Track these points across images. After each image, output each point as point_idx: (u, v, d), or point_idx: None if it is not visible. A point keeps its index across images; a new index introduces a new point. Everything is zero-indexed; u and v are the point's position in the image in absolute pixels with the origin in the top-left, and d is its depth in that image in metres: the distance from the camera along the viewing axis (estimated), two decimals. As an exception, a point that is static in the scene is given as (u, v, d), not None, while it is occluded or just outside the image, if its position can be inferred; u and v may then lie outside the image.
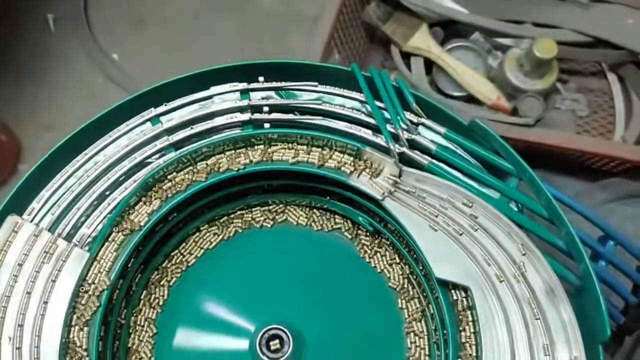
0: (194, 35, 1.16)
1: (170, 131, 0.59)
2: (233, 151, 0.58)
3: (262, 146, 0.58)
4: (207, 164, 0.58)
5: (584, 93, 1.01)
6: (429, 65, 1.00)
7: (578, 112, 1.01)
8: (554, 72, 0.94)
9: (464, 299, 0.52)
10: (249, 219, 0.66)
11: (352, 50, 1.00)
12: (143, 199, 0.58)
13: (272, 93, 0.62)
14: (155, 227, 0.59)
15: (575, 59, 1.01)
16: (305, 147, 0.57)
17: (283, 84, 0.61)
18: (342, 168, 0.56)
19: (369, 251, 0.62)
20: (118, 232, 0.56)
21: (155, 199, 0.57)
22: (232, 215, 0.66)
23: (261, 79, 0.61)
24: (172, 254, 0.65)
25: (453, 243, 0.53)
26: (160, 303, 0.64)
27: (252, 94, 0.61)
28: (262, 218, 0.66)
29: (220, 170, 0.58)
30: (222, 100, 0.61)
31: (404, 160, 0.58)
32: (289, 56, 1.05)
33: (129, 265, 0.59)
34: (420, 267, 0.58)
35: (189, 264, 0.65)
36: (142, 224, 0.57)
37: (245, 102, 0.60)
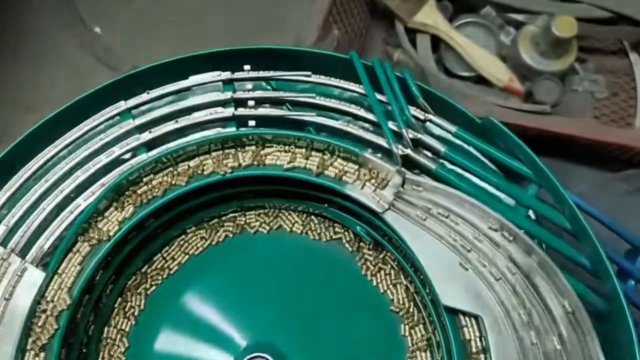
0: (185, 11, 1.07)
1: (141, 128, 0.52)
2: (220, 152, 0.51)
3: (253, 147, 0.51)
4: (189, 166, 0.51)
5: (604, 74, 0.93)
6: (436, 42, 0.92)
7: (597, 94, 0.94)
8: (573, 52, 0.86)
9: (474, 326, 0.46)
10: (242, 222, 0.59)
11: (353, 26, 0.92)
12: (114, 204, 0.51)
13: (262, 84, 0.54)
14: (128, 235, 0.52)
15: (595, 36, 0.93)
16: (303, 150, 0.50)
17: (271, 73, 0.54)
18: (344, 177, 0.49)
19: (371, 267, 0.56)
20: (84, 241, 0.50)
21: (128, 204, 0.51)
22: (223, 218, 0.59)
23: (247, 67, 0.54)
24: (154, 258, 0.59)
25: (462, 262, 0.46)
26: (136, 313, 0.58)
27: (237, 85, 0.54)
28: (257, 223, 0.59)
29: (205, 173, 0.51)
30: (203, 92, 0.53)
31: (408, 162, 0.51)
32: (285, 33, 0.97)
33: (97, 277, 0.52)
34: (427, 290, 0.51)
35: (171, 271, 0.59)
36: (111, 233, 0.50)
37: (228, 95, 0.52)
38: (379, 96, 0.53)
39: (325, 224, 0.57)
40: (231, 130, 0.51)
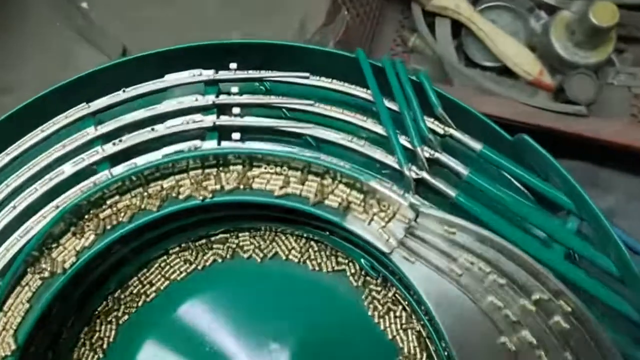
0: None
1: (104, 138, 0.43)
2: (200, 171, 0.43)
3: (239, 167, 0.42)
4: (162, 187, 0.43)
5: (643, 66, 0.83)
6: (457, 27, 0.82)
7: (634, 89, 0.84)
8: (611, 43, 0.77)
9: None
10: (234, 245, 0.51)
11: (364, 8, 0.82)
12: (72, 229, 0.43)
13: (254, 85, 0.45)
14: (91, 264, 0.44)
15: (635, 25, 0.83)
16: (299, 173, 0.41)
17: (262, 73, 0.45)
18: (347, 209, 0.40)
19: (379, 307, 0.47)
20: (34, 274, 0.42)
21: (89, 231, 0.42)
22: (212, 239, 0.51)
23: (233, 65, 0.45)
24: (129, 282, 0.51)
25: (483, 318, 0.38)
26: (104, 346, 0.50)
27: (222, 87, 0.45)
28: (250, 247, 0.51)
29: (180, 197, 0.42)
30: (181, 94, 0.44)
31: (423, 187, 0.42)
32: (290, 13, 0.87)
33: (53, 311, 0.44)
34: (443, 345, 0.43)
35: (148, 298, 0.51)
36: (67, 264, 0.42)
37: (209, 99, 0.44)
38: (389, 104, 0.44)
39: (327, 252, 0.49)
40: (210, 146, 0.42)
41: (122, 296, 0.51)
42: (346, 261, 0.49)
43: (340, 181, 0.40)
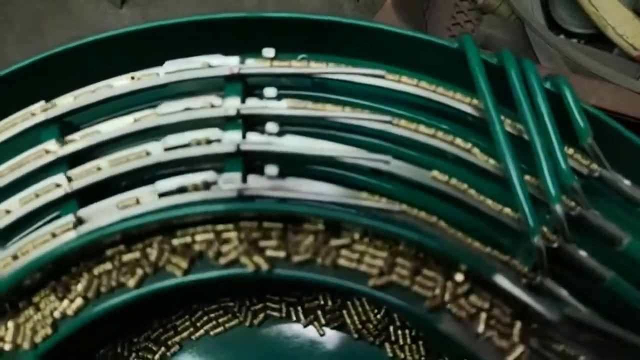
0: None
1: (73, 161, 0.28)
2: (255, 223, 0.28)
3: (316, 226, 0.27)
4: (193, 239, 0.28)
5: None
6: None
7: None
8: None
9: None
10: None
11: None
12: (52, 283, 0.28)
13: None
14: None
15: None
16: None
17: (312, 68, 0.29)
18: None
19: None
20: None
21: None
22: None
23: (269, 52, 0.29)
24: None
25: None
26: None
27: (250, 84, 0.30)
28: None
29: (221, 260, 0.28)
30: (188, 94, 0.29)
31: (556, 259, 0.27)
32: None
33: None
34: None
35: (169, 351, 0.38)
36: (37, 339, 0.28)
37: (234, 103, 0.28)
38: (506, 126, 0.28)
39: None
40: (228, 192, 0.27)
41: (136, 340, 0.37)
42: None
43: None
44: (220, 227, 0.28)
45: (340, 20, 0.31)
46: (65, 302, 0.28)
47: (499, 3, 0.67)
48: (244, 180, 0.27)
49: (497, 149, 0.27)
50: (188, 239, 0.28)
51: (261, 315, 0.37)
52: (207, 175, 0.27)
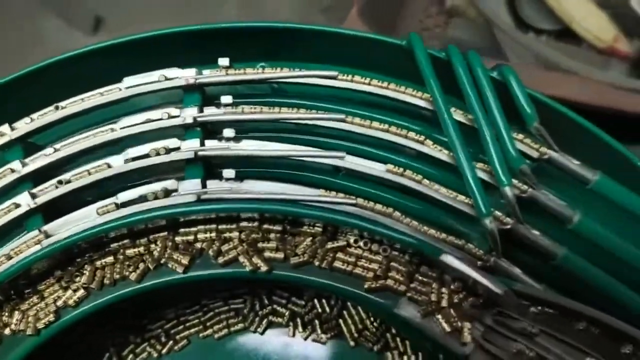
0: None
1: (36, 178, 0.29)
2: (256, 223, 0.29)
3: (314, 229, 0.28)
4: (195, 237, 0.29)
5: None
6: (509, -18, 0.67)
7: None
8: None
9: None
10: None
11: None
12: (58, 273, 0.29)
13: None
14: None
15: None
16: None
17: (266, 74, 0.30)
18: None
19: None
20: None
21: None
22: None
23: (223, 61, 0.30)
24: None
25: None
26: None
27: (208, 93, 0.31)
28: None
29: (220, 260, 0.29)
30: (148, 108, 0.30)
31: (510, 241, 0.28)
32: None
33: None
34: None
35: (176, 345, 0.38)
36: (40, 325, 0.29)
37: (191, 112, 0.29)
38: (457, 116, 0.29)
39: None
40: (188, 196, 0.28)
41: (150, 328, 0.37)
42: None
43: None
44: (222, 226, 0.29)
45: (295, 27, 0.32)
46: (69, 292, 0.29)
47: (467, 6, 0.68)
48: (204, 185, 0.28)
49: (447, 139, 0.28)
50: (191, 237, 0.29)
51: (265, 322, 0.37)
52: (168, 184, 0.28)
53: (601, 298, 0.28)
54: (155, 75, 0.30)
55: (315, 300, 0.36)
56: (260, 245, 0.28)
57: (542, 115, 0.30)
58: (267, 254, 0.28)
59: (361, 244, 0.27)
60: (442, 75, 0.29)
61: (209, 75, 0.30)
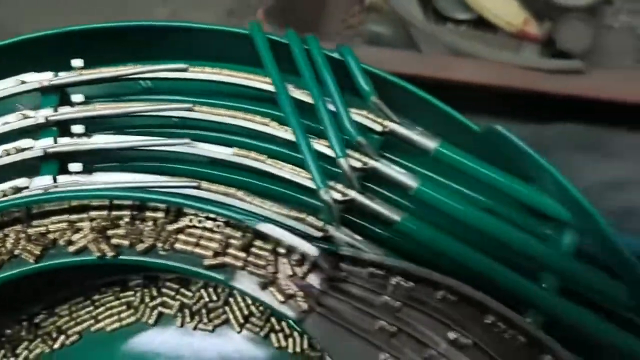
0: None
1: None
2: (105, 212, 0.30)
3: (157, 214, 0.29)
4: (47, 229, 0.30)
5: (648, 1, 0.69)
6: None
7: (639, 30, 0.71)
8: (608, -24, 0.63)
9: None
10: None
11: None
12: None
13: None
14: None
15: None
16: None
17: (120, 71, 0.31)
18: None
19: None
20: None
21: None
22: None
23: (77, 62, 0.32)
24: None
25: None
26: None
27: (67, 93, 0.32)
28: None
29: (71, 248, 0.30)
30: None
31: (352, 210, 0.29)
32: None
33: None
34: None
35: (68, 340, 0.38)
36: None
37: (45, 113, 0.31)
38: (298, 94, 0.31)
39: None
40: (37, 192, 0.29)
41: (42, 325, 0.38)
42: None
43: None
44: (74, 217, 0.30)
45: (150, 24, 0.33)
46: None
47: (383, 2, 0.70)
48: (55, 180, 0.29)
49: (286, 118, 0.30)
50: (43, 229, 0.30)
51: (155, 313, 0.38)
52: (19, 182, 0.29)
53: (452, 266, 0.29)
54: (12, 80, 0.31)
55: (203, 291, 0.37)
56: (109, 232, 0.29)
57: (385, 90, 0.31)
58: (114, 240, 0.29)
59: (195, 222, 0.28)
60: (285, 58, 0.31)
61: (65, 76, 0.31)
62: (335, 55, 0.31)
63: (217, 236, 0.27)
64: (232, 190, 0.29)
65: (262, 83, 0.31)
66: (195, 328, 0.37)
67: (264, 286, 0.27)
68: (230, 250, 0.27)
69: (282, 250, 0.27)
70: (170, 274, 0.36)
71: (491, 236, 0.29)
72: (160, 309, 0.37)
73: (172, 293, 0.37)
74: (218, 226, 0.27)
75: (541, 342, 0.25)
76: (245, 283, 0.27)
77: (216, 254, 0.27)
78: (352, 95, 0.31)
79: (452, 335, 0.25)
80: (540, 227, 0.30)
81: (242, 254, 0.27)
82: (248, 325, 0.36)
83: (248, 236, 0.27)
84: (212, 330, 0.37)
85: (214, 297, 0.37)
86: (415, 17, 0.65)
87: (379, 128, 0.31)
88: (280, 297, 0.26)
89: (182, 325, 0.37)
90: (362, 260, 0.26)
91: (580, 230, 0.29)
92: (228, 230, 0.27)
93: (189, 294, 0.37)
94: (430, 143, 0.30)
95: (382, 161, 0.30)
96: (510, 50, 0.64)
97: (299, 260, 0.27)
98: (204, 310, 0.37)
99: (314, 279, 0.26)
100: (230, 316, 0.36)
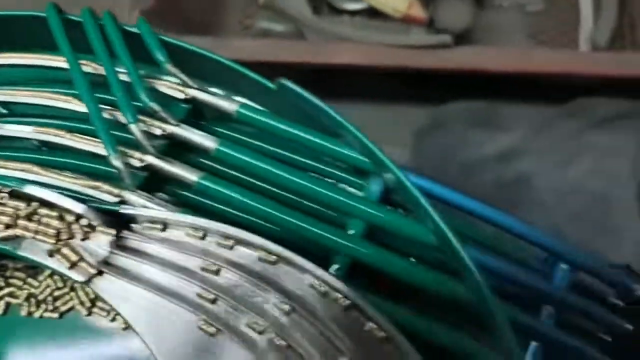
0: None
1: None
2: None
3: None
4: None
5: (536, -22, 0.71)
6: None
7: (529, 8, 0.73)
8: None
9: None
10: None
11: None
12: None
13: None
14: None
15: None
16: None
17: None
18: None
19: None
20: None
21: None
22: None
23: None
24: None
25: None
26: None
27: None
28: None
29: None
30: None
31: (153, 178, 0.30)
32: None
33: None
34: None
35: None
36: None
37: None
38: (92, 69, 0.31)
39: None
40: None
41: None
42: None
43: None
44: None
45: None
46: None
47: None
48: None
49: (78, 91, 0.30)
50: None
51: (2, 303, 0.37)
52: None
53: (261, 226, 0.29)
54: None
55: (49, 279, 0.37)
56: None
57: (191, 62, 0.32)
58: None
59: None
60: (83, 39, 0.31)
61: None
62: (134, 30, 0.32)
63: (8, 209, 0.27)
64: (27, 166, 0.29)
65: (57, 62, 0.31)
66: (41, 316, 0.36)
67: (50, 253, 0.27)
68: (20, 221, 0.27)
69: (70, 218, 0.27)
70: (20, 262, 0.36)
71: (292, 190, 0.29)
72: (7, 299, 0.37)
73: (20, 283, 0.37)
74: (2, 197, 0.27)
75: (359, 307, 0.25)
76: (34, 251, 0.27)
77: (7, 226, 0.27)
78: (156, 67, 0.31)
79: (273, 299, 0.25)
80: (348, 179, 0.31)
81: (32, 225, 0.27)
82: (94, 309, 0.36)
83: (33, 205, 0.27)
84: (60, 317, 0.36)
85: (60, 285, 0.36)
86: (302, 12, 0.66)
87: (181, 96, 0.31)
88: (67, 263, 0.26)
89: (28, 315, 0.36)
90: (155, 220, 0.26)
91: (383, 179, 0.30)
92: (12, 202, 0.27)
93: (36, 283, 0.37)
94: (231, 105, 0.31)
95: (182, 126, 0.30)
96: (400, 35, 0.66)
97: (89, 225, 0.27)
98: (49, 298, 0.36)
99: (102, 240, 0.26)
100: (77, 302, 0.36)
